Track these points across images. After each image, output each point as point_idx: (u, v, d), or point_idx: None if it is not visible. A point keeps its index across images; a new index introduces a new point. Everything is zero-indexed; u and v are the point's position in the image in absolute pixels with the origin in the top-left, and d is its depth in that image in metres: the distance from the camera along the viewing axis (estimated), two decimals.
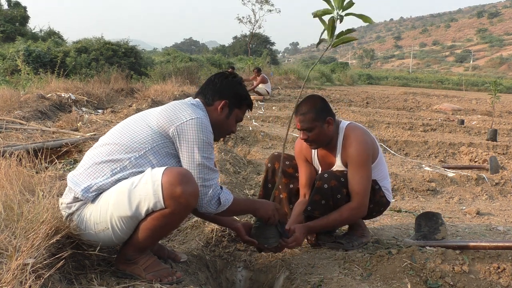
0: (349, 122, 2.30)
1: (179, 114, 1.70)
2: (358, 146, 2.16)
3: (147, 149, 1.69)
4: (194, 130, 1.68)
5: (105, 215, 1.62)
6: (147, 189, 1.57)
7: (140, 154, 1.68)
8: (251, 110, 2.05)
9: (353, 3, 1.69)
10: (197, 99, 1.89)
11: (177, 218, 1.66)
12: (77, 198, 1.65)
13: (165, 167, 1.61)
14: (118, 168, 1.66)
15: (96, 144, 1.80)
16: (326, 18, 1.75)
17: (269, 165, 2.50)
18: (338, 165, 2.29)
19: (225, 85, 1.89)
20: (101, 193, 1.65)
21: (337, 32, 1.78)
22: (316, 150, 2.36)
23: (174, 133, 1.68)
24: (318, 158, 2.38)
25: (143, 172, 1.64)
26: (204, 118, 1.73)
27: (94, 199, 1.65)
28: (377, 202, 2.31)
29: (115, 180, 1.64)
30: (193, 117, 1.69)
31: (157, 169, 1.62)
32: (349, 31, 1.82)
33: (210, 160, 1.73)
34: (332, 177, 2.18)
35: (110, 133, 1.79)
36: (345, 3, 1.70)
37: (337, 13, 1.72)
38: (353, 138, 2.20)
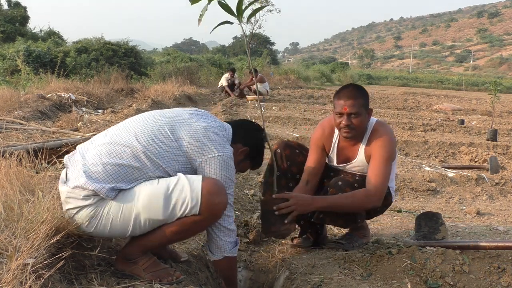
0: (377, 119, 2.27)
1: (211, 146, 1.72)
2: (386, 141, 2.14)
3: (169, 168, 1.68)
4: (220, 166, 1.72)
5: (129, 214, 1.60)
6: (185, 194, 1.60)
7: (163, 170, 1.68)
8: (255, 169, 2.10)
9: None
10: (228, 126, 1.90)
11: (204, 225, 1.73)
12: (96, 192, 1.59)
13: (200, 176, 1.66)
14: (141, 175, 1.64)
15: (117, 139, 1.68)
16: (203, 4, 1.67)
17: (278, 150, 2.31)
18: (359, 160, 2.22)
19: (253, 136, 1.99)
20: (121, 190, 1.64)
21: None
22: (338, 140, 2.27)
23: (201, 164, 1.71)
24: (338, 149, 2.29)
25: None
26: (230, 155, 1.77)
27: (115, 197, 1.62)
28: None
29: (138, 183, 1.64)
30: (221, 154, 1.73)
31: (193, 176, 1.65)
32: (254, 1, 1.82)
33: (230, 196, 1.78)
34: (347, 185, 2.12)
35: (135, 134, 1.69)
36: None
37: None
38: (383, 132, 2.17)
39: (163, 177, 1.66)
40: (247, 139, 1.94)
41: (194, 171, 1.72)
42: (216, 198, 1.63)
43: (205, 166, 1.71)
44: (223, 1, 1.68)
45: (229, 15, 1.72)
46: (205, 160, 1.70)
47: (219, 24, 1.76)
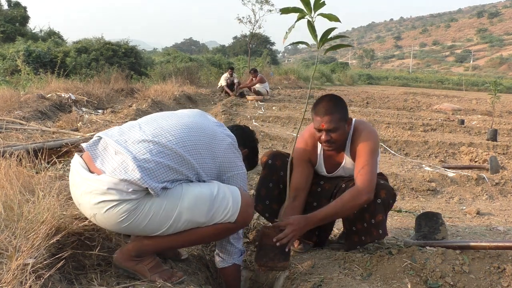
0: (355, 118, 2.25)
1: (237, 162, 1.88)
2: (368, 136, 2.12)
3: (203, 178, 1.74)
4: (243, 181, 1.89)
5: (171, 212, 1.60)
6: (227, 202, 1.69)
7: (198, 178, 1.73)
8: (250, 169, 2.18)
9: (324, 4, 1.65)
10: (233, 135, 1.93)
11: (231, 233, 1.83)
12: (146, 188, 1.55)
13: (236, 187, 1.78)
14: (184, 180, 1.68)
15: (162, 140, 1.66)
16: (298, 20, 1.72)
17: (269, 161, 2.32)
18: (347, 162, 2.23)
19: (251, 138, 2.16)
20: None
21: (320, 34, 1.75)
22: (322, 150, 2.27)
23: (229, 178, 1.84)
24: (324, 159, 2.29)
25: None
26: (246, 170, 1.94)
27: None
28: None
29: (177, 184, 1.65)
30: (243, 170, 1.90)
31: (231, 186, 1.77)
32: (339, 37, 1.85)
33: None
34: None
35: (181, 140, 1.68)
36: (314, 2, 1.65)
37: (311, 15, 1.68)
38: (363, 128, 2.16)
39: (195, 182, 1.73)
40: (246, 141, 2.09)
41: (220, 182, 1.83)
42: (250, 210, 1.78)
43: (232, 180, 1.83)
44: (312, 23, 1.70)
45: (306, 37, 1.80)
46: (232, 176, 1.84)
47: (296, 43, 1.90)
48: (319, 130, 2.10)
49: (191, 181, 1.69)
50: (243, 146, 2.02)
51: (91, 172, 1.59)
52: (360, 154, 2.11)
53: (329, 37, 1.75)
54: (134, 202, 1.55)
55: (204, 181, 1.73)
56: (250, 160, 2.13)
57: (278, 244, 1.93)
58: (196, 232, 1.68)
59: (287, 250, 1.97)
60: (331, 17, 1.66)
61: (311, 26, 1.71)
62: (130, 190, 1.53)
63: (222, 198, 1.68)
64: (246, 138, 2.11)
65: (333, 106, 2.08)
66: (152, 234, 1.65)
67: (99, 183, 1.54)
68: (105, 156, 1.62)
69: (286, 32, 1.73)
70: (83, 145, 1.69)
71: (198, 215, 1.64)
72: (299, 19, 1.69)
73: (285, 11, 1.70)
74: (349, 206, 2.04)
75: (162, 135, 1.68)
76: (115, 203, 1.53)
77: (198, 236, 1.71)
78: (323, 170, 2.32)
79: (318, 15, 1.68)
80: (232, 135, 1.92)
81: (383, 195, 2.08)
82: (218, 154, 1.78)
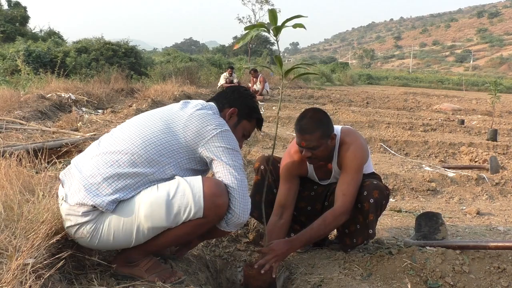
0: (341, 126, 2.23)
1: (205, 127, 1.70)
2: (354, 152, 2.11)
3: (171, 164, 1.67)
4: (222, 141, 1.70)
5: (131, 225, 1.58)
6: (187, 199, 1.58)
7: (164, 168, 1.66)
8: (260, 129, 2.03)
9: (284, 26, 1.69)
10: (211, 103, 1.88)
11: (208, 227, 1.69)
12: (95, 207, 1.56)
13: (200, 177, 1.64)
14: (141, 182, 1.62)
15: (112, 148, 1.66)
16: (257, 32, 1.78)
17: (262, 167, 2.32)
18: (336, 172, 2.24)
19: (236, 95, 1.94)
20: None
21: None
22: None
23: (204, 148, 1.69)
24: (314, 168, 2.29)
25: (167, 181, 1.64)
26: (227, 127, 1.75)
27: (114, 209, 1.60)
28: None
29: (137, 193, 1.61)
30: (219, 130, 1.70)
31: (192, 178, 1.63)
32: (306, 73, 2.10)
33: (240, 167, 1.72)
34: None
35: (129, 139, 1.67)
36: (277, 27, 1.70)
37: (276, 39, 1.73)
38: (350, 143, 2.13)
39: (163, 179, 1.65)
40: (230, 100, 1.91)
41: (198, 159, 1.72)
42: (219, 200, 1.61)
43: (209, 148, 1.68)
44: (280, 59, 1.81)
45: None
46: (206, 143, 1.69)
47: (252, 65, 1.97)
48: (301, 147, 2.10)
49: (159, 179, 1.63)
50: (229, 106, 1.89)
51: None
52: (345, 169, 2.12)
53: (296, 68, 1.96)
54: (91, 223, 1.57)
55: (171, 173, 1.66)
56: (249, 117, 1.95)
57: (262, 271, 1.90)
58: (169, 234, 1.63)
59: (273, 276, 1.93)
60: (296, 26, 1.69)
61: (279, 60, 1.79)
62: (80, 213, 1.56)
63: (182, 197, 1.58)
64: (228, 97, 1.93)
65: (315, 124, 2.05)
66: (127, 247, 1.65)
67: (61, 210, 1.62)
68: (72, 182, 1.65)
69: (241, 40, 1.79)
70: (60, 174, 1.73)
71: (158, 221, 1.58)
72: (256, 32, 1.73)
73: (249, 28, 1.74)
74: (331, 227, 2.11)
75: (113, 144, 1.67)
76: (76, 227, 1.59)
77: (173, 238, 1.66)
78: (315, 178, 2.33)
79: (285, 27, 1.70)
80: (203, 104, 1.82)
81: (376, 195, 2.08)
82: (178, 131, 1.69)
